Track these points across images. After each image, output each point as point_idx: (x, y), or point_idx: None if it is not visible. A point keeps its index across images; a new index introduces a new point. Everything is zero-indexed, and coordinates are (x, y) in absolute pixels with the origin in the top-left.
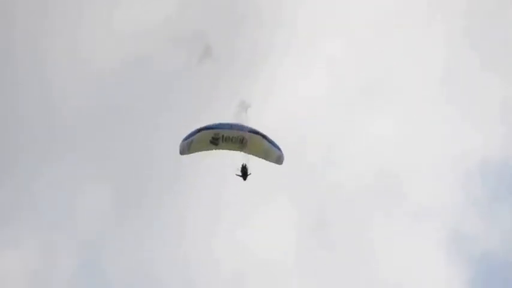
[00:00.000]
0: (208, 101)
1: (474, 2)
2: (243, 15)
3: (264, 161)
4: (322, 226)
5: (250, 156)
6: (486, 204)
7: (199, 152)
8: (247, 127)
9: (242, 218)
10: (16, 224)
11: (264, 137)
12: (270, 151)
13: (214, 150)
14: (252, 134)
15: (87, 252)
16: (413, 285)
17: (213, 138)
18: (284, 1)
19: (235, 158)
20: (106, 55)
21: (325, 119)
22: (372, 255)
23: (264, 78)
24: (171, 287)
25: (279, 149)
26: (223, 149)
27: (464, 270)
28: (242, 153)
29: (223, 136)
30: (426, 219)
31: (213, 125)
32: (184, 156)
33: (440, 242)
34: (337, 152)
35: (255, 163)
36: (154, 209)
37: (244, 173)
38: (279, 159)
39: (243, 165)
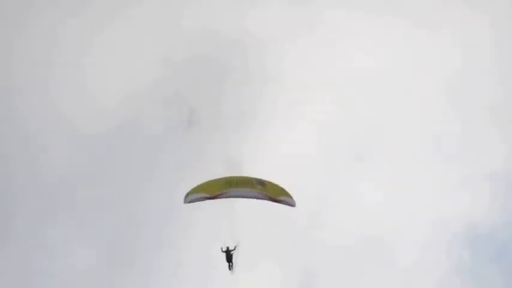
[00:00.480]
0: (198, 160)
1: (452, 64)
2: (229, 72)
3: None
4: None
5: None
6: (473, 269)
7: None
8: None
9: (230, 281)
10: None
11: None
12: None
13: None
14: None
15: None
16: None
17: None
18: (271, 57)
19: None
20: (93, 119)
21: (312, 178)
22: None
23: (251, 137)
24: None
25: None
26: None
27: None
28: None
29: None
30: (413, 283)
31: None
32: (186, 205)
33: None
34: (324, 214)
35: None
36: (144, 270)
37: (228, 256)
38: (291, 200)
39: (228, 248)
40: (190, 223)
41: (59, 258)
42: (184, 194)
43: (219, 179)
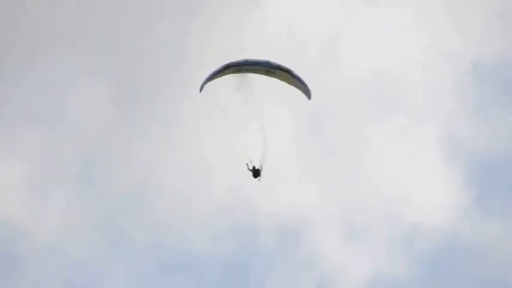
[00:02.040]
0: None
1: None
2: None
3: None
4: (318, 129)
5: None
6: (482, 106)
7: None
8: (274, 64)
9: (241, 123)
10: (5, 124)
11: (291, 73)
12: (297, 84)
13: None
14: (278, 70)
15: (85, 154)
16: (408, 188)
17: (235, 69)
18: None
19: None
20: None
21: (323, 13)
22: (367, 157)
23: None
24: (165, 191)
25: (306, 84)
26: (247, 72)
27: (460, 172)
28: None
29: (246, 69)
30: (422, 122)
31: (237, 62)
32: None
33: (436, 144)
34: (335, 49)
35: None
36: (150, 110)
37: (255, 173)
38: (307, 92)
39: (257, 169)
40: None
41: (66, 95)
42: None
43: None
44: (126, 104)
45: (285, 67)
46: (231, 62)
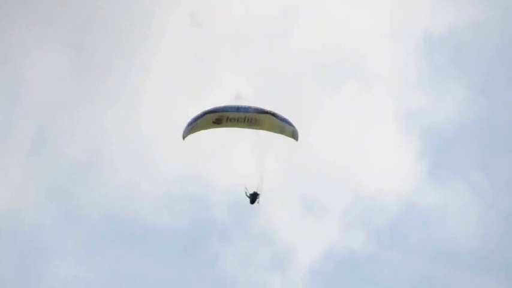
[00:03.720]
0: None
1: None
2: None
3: (279, 136)
4: (271, 100)
5: (263, 133)
6: (434, 78)
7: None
8: (256, 108)
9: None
10: None
11: (275, 115)
12: (284, 127)
13: (219, 129)
14: (261, 115)
15: (40, 124)
16: (363, 160)
17: (216, 119)
18: None
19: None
20: None
21: None
22: (321, 130)
23: None
24: (120, 163)
25: (292, 125)
26: (228, 127)
27: (414, 142)
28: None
29: (227, 118)
30: (376, 94)
31: (218, 107)
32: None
33: (390, 116)
34: (294, 22)
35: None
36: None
37: (253, 198)
38: (294, 135)
39: (255, 192)
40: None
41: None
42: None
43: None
44: (81, 75)
45: (269, 110)
46: (210, 109)
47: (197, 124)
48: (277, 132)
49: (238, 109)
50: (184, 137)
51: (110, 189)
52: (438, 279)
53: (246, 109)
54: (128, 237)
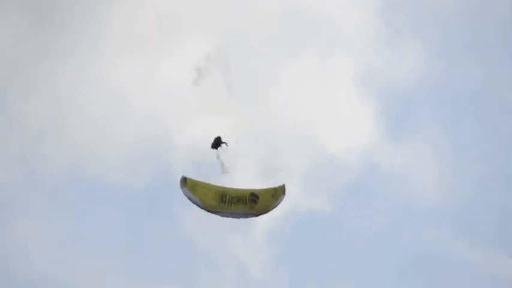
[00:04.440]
0: None
1: None
2: None
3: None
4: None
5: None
6: (392, 39)
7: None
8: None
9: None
10: None
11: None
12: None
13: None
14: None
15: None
16: (323, 122)
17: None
18: None
19: None
20: None
21: None
22: (283, 92)
23: None
24: (82, 120)
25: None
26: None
27: (374, 103)
28: None
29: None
30: (335, 54)
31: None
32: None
33: (349, 78)
34: None
35: None
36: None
37: (217, 143)
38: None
39: (218, 137)
40: None
41: None
42: (182, 178)
43: (215, 186)
44: (42, 31)
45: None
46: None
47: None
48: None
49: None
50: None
51: (71, 149)
52: (400, 237)
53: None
54: (90, 197)
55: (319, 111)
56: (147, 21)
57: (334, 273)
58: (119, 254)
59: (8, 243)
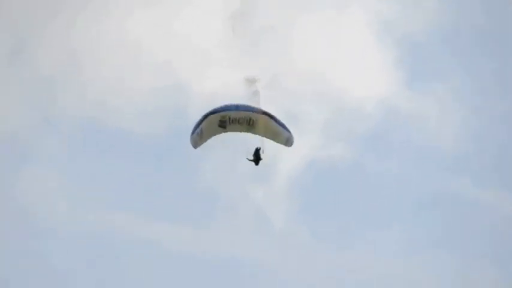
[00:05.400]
0: None
1: None
2: None
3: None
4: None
5: (260, 137)
6: None
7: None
8: (254, 108)
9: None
10: None
11: (272, 117)
12: (278, 132)
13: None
14: (259, 115)
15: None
16: (341, 69)
17: (220, 121)
18: None
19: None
20: None
21: None
22: (298, 40)
23: None
24: (99, 70)
25: (288, 130)
26: (231, 131)
27: (391, 50)
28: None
29: (229, 118)
30: (353, 3)
31: (218, 108)
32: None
33: (365, 27)
34: None
35: None
36: None
37: (257, 157)
38: (288, 141)
39: (257, 148)
40: None
41: None
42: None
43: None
44: None
45: (268, 112)
46: (210, 111)
47: (203, 130)
48: (270, 139)
49: (237, 108)
50: (195, 147)
51: (89, 94)
52: (421, 181)
53: (245, 108)
54: (106, 146)
55: (336, 60)
56: None
57: (355, 218)
58: (135, 202)
59: (25, 191)
